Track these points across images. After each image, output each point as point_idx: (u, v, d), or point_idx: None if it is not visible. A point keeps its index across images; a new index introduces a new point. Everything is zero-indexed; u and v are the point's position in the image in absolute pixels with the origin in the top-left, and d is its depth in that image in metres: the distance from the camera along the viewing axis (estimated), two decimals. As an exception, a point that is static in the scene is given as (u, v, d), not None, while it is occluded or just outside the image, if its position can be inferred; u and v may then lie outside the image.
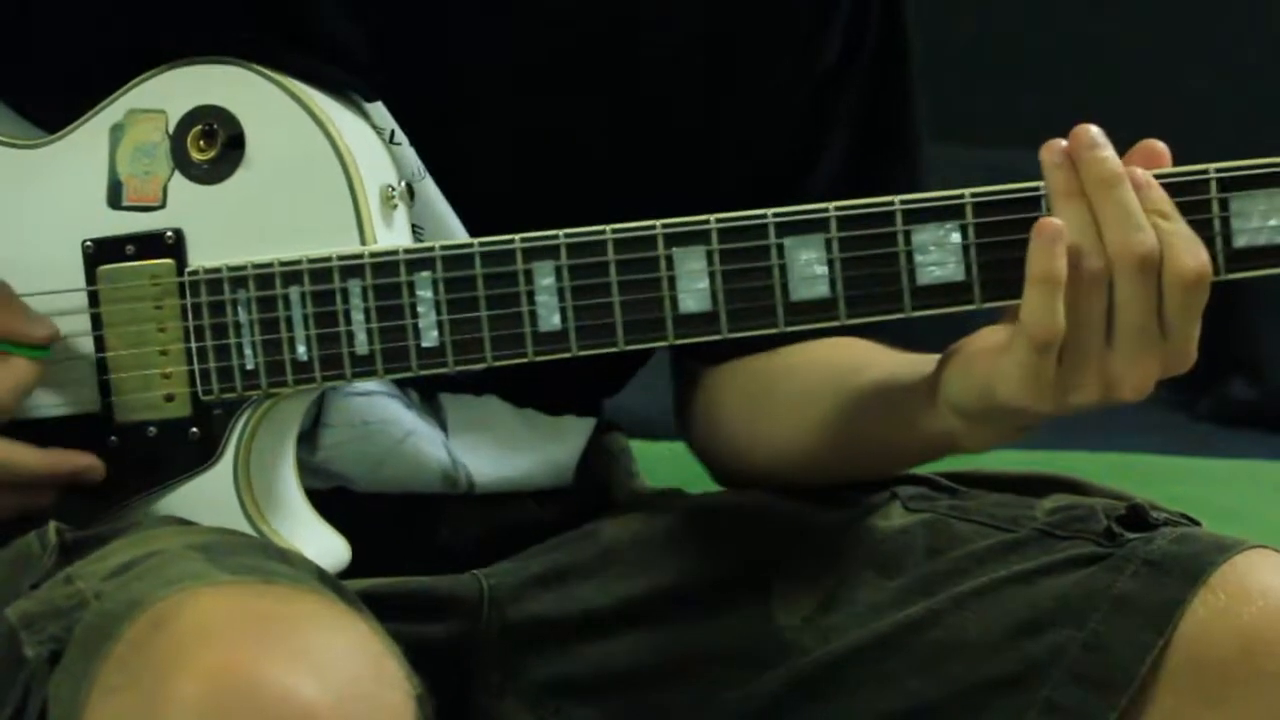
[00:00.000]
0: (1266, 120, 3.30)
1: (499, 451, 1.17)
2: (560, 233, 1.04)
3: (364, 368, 1.06)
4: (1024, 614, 1.07)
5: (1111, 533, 1.08)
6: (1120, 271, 0.98)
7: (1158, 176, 1.00)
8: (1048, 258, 0.98)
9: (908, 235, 1.01)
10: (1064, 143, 1.00)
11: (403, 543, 1.15)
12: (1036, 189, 1.01)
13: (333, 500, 1.12)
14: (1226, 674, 1.02)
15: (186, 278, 1.07)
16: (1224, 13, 3.38)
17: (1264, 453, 2.90)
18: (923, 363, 1.08)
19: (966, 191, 1.01)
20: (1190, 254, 0.98)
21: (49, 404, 1.09)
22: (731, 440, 1.20)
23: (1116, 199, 0.98)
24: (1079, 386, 0.99)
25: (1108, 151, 0.99)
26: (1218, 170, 1.00)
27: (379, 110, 1.11)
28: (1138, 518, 1.09)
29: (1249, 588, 1.03)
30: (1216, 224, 1.00)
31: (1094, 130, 0.99)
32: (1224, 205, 1.00)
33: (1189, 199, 1.00)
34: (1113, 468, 2.54)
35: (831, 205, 1.02)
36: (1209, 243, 1.00)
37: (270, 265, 1.06)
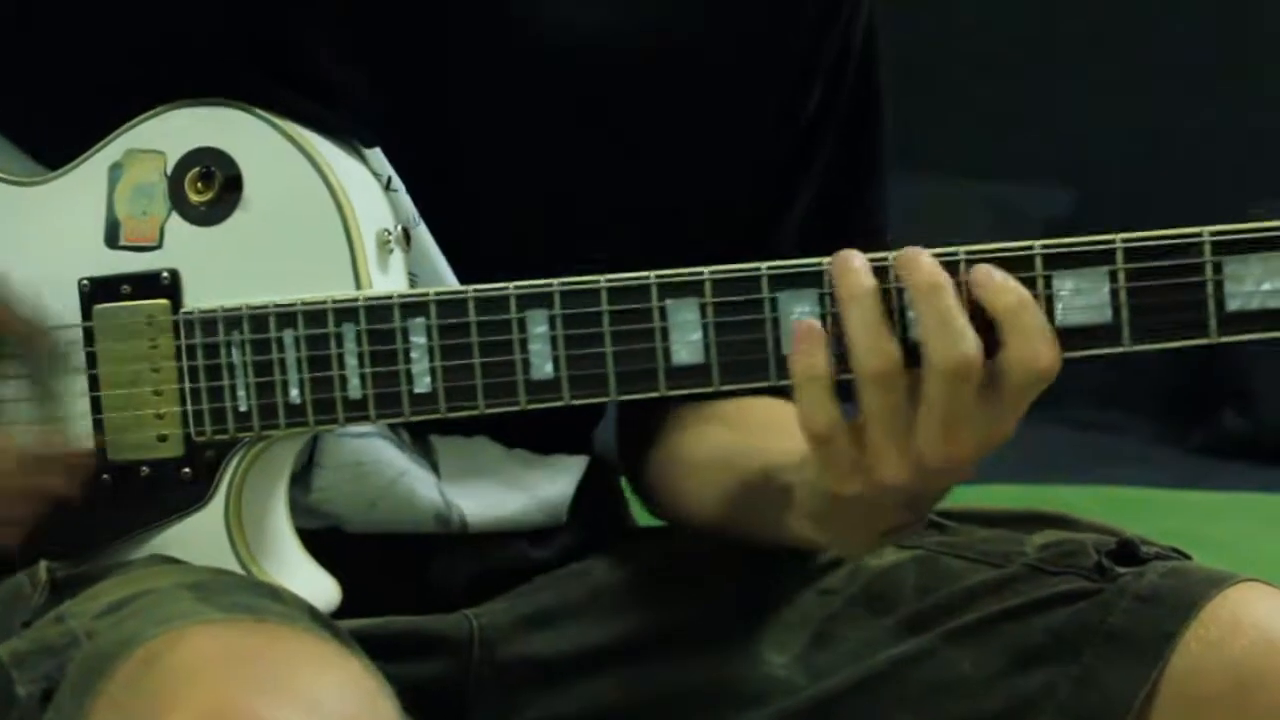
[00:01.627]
0: (1273, 159, 3.30)
1: (491, 492, 1.17)
2: (554, 281, 1.03)
3: (357, 412, 1.05)
4: (1015, 650, 1.07)
5: (1102, 568, 1.08)
6: (937, 377, 0.96)
7: (1152, 238, 0.99)
8: (809, 355, 0.98)
9: (900, 292, 1.01)
10: (857, 258, 0.98)
11: (395, 583, 1.15)
12: (1030, 247, 1.00)
13: (325, 540, 1.11)
14: (1219, 708, 1.02)
15: (181, 318, 1.07)
16: (1206, 49, 3.38)
17: (1255, 485, 2.90)
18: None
19: (961, 250, 1.01)
20: (1042, 347, 0.97)
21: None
22: (656, 489, 1.20)
23: (938, 304, 0.96)
24: (886, 467, 0.98)
25: (924, 260, 0.97)
26: (1212, 234, 0.99)
27: (377, 156, 1.11)
28: (1128, 552, 1.09)
29: (1240, 621, 1.03)
30: (1210, 287, 0.99)
31: (911, 251, 0.98)
32: (1218, 269, 0.99)
33: (1183, 262, 0.99)
34: (1104, 501, 2.54)
35: (825, 260, 1.01)
36: (1201, 305, 0.99)
37: (265, 307, 1.06)
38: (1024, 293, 0.97)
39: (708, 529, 1.17)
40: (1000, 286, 0.97)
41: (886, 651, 1.10)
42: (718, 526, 1.16)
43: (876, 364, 0.97)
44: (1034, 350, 0.97)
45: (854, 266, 0.98)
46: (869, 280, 0.98)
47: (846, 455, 0.98)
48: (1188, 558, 1.10)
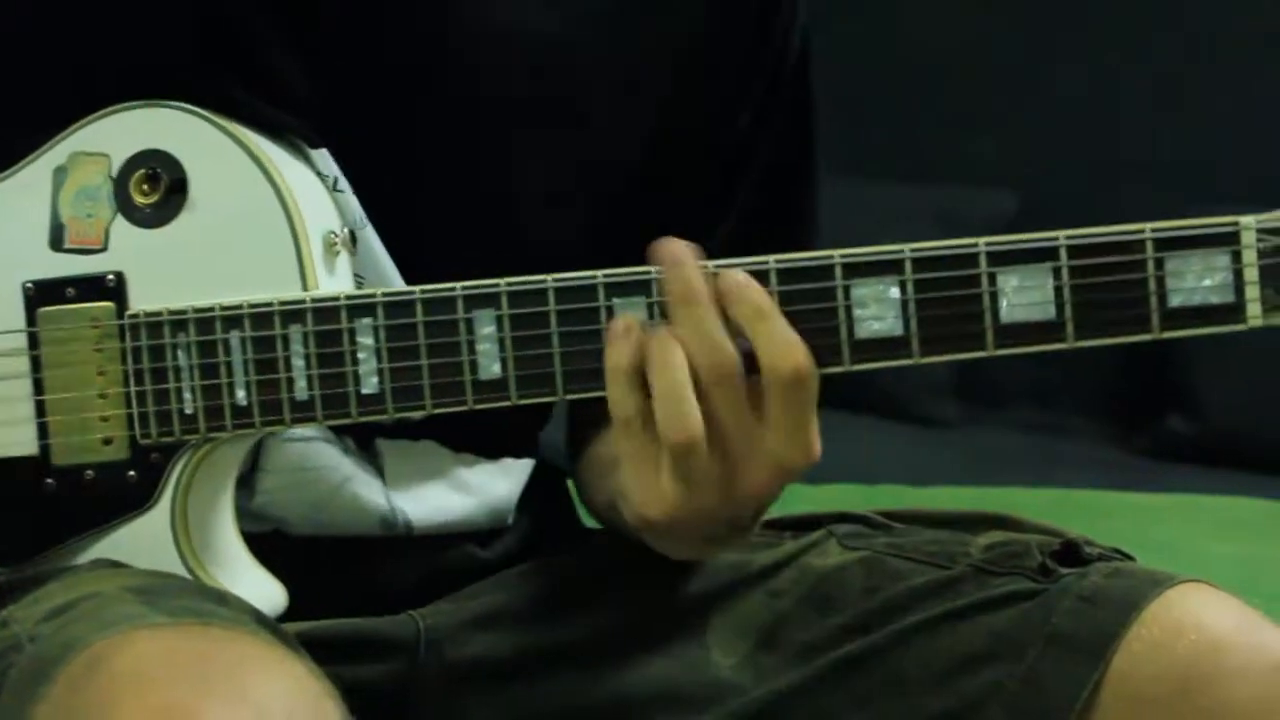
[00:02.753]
0: (1214, 165, 3.33)
1: (437, 495, 1.17)
2: (501, 281, 1.04)
3: (304, 414, 1.05)
4: (960, 651, 1.09)
5: (1046, 568, 1.09)
6: (708, 385, 0.98)
7: (1094, 234, 1.00)
8: (615, 352, 0.99)
9: (847, 290, 1.02)
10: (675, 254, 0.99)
11: (341, 586, 1.15)
12: (974, 245, 1.01)
13: (269, 543, 1.12)
14: (1161, 708, 1.03)
15: (127, 321, 1.07)
16: (1165, 55, 3.41)
17: (1199, 487, 2.92)
18: None
19: (906, 247, 1.02)
20: (784, 356, 0.98)
21: (-14, 446, 1.09)
22: (588, 485, 1.21)
23: (693, 316, 0.98)
24: (752, 474, 0.99)
25: (685, 270, 0.99)
26: (1154, 230, 1.00)
27: (323, 157, 1.11)
28: (1071, 553, 1.10)
29: (1183, 622, 1.04)
30: (1152, 283, 1.00)
31: (677, 247, 1.00)
32: (1159, 264, 1.00)
33: (1125, 259, 1.00)
34: (1050, 502, 2.56)
35: (771, 258, 1.02)
36: (1144, 301, 1.00)
37: (211, 310, 1.06)
38: (764, 300, 0.98)
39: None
40: (740, 295, 0.98)
41: (833, 652, 1.11)
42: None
43: (719, 362, 0.97)
44: (775, 359, 0.97)
45: (686, 271, 0.98)
46: (702, 283, 0.98)
47: (707, 465, 0.98)
48: (1131, 559, 1.11)
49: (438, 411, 1.05)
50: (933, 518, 1.17)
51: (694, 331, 0.98)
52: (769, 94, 1.20)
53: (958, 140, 3.40)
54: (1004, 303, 1.01)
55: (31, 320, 1.08)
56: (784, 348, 0.98)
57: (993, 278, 1.00)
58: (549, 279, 1.04)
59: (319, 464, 1.13)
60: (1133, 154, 3.38)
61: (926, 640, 1.10)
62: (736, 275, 0.99)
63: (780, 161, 1.21)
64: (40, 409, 1.08)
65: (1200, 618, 1.04)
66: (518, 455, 1.20)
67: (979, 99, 3.43)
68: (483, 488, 1.19)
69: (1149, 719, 1.03)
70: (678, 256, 0.99)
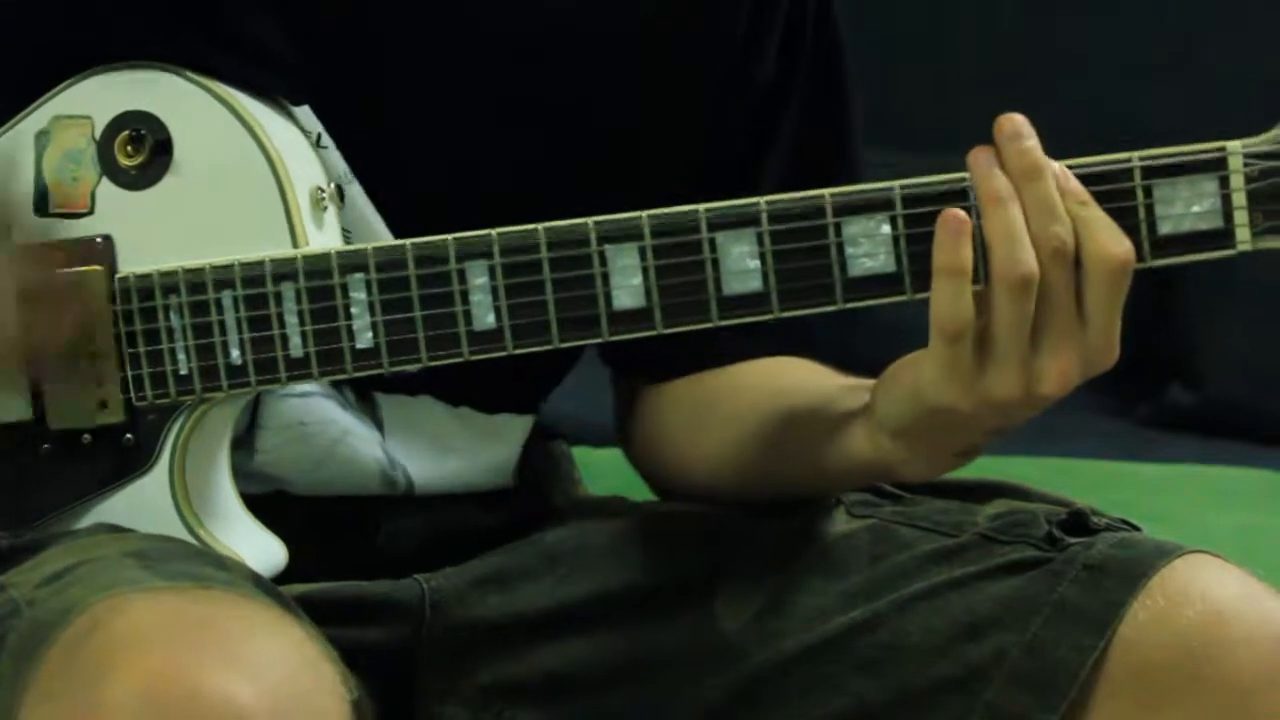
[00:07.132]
0: (1208, 131, 3.35)
1: (436, 451, 1.21)
2: (493, 232, 1.08)
3: (299, 371, 1.10)
4: (965, 618, 1.12)
5: (1052, 538, 1.13)
6: (1041, 263, 1.03)
7: (1082, 165, 1.06)
8: (952, 250, 1.04)
9: (838, 228, 1.07)
10: (990, 149, 1.05)
11: (342, 547, 1.19)
12: (963, 179, 1.06)
13: (271, 504, 1.16)
14: (1166, 678, 1.07)
15: (117, 284, 1.11)
16: (1164, 20, 3.44)
17: (1202, 458, 2.95)
18: (859, 387, 1.13)
19: (896, 184, 1.06)
20: (1111, 240, 1.04)
21: (-19, 412, 1.13)
22: (672, 455, 1.24)
23: (1036, 191, 1.03)
24: (1002, 382, 1.04)
25: (1030, 142, 1.04)
26: (1141, 158, 1.05)
27: (305, 113, 1.15)
28: (1078, 523, 1.13)
29: (1188, 592, 1.08)
30: (1141, 211, 1.05)
31: (1017, 120, 1.05)
32: (1148, 193, 1.05)
33: (1113, 187, 1.05)
34: (1054, 472, 2.59)
35: (762, 199, 1.07)
36: (1133, 230, 1.05)
37: (202, 270, 1.10)
38: (1083, 189, 1.04)
39: (734, 485, 1.20)
40: (1064, 183, 1.04)
41: (839, 618, 1.14)
42: (749, 476, 1.19)
43: (1020, 270, 1.02)
44: (1102, 243, 1.03)
45: (996, 170, 1.03)
46: (1009, 184, 1.03)
47: (968, 360, 1.03)
48: (1137, 529, 1.15)
49: (434, 364, 1.09)
50: (940, 487, 1.20)
51: (1039, 207, 1.03)
52: (787, 58, 1.22)
53: (947, 106, 3.41)
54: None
55: None
56: (1111, 233, 1.03)
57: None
58: (540, 228, 1.08)
59: (317, 419, 1.17)
60: (1125, 125, 3.40)
61: (931, 607, 1.13)
62: (1058, 164, 1.04)
63: (815, 126, 1.23)
64: (34, 374, 1.12)
65: (1205, 588, 1.07)
66: (518, 412, 1.24)
67: (968, 64, 3.45)
68: (481, 446, 1.22)
69: (1153, 688, 1.07)
70: (1019, 130, 1.04)
